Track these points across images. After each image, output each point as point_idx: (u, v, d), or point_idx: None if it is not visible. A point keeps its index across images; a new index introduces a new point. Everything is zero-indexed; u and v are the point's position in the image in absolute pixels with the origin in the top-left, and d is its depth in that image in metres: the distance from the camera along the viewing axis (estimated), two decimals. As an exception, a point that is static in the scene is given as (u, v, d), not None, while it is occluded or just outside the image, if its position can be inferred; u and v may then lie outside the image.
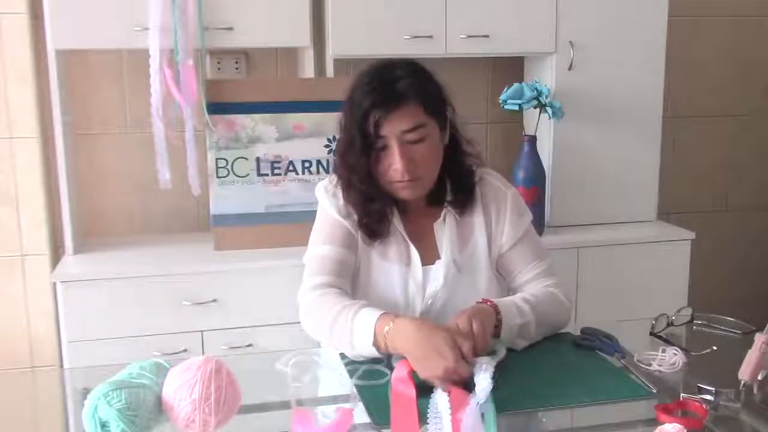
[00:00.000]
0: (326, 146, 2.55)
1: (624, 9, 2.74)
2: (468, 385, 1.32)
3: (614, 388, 1.41)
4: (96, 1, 2.35)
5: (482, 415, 1.23)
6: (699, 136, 3.27)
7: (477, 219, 1.71)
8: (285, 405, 1.28)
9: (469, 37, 2.63)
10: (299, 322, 1.62)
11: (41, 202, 2.61)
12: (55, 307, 2.44)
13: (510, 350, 1.53)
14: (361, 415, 1.30)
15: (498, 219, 1.71)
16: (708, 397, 1.33)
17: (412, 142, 1.57)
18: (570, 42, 2.70)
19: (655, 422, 1.24)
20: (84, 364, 2.25)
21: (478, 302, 1.56)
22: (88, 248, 2.58)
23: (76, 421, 1.23)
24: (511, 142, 2.91)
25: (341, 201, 1.68)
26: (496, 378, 1.33)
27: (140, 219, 2.79)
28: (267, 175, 2.54)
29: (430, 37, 2.60)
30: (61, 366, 2.46)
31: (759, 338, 1.36)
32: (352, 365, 1.48)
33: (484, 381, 1.30)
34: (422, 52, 2.52)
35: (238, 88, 2.53)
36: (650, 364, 1.48)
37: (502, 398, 1.31)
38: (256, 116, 2.51)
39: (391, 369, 1.41)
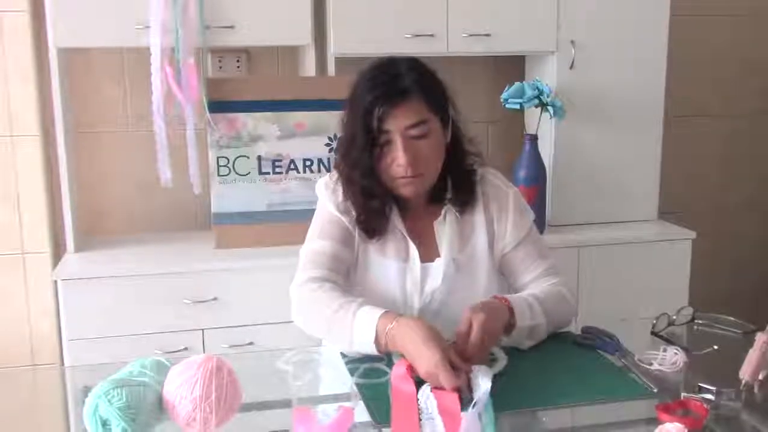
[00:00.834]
0: (327, 145, 2.55)
1: (625, 8, 2.74)
2: (463, 392, 1.32)
3: (615, 387, 1.41)
4: (97, 0, 2.35)
5: (479, 415, 1.23)
6: (700, 135, 3.27)
7: (478, 218, 1.71)
8: (286, 403, 1.28)
9: (471, 35, 2.63)
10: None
11: (42, 200, 2.61)
12: (56, 305, 2.44)
13: (512, 349, 1.53)
14: (361, 413, 1.30)
15: (500, 218, 1.71)
16: (709, 396, 1.32)
17: (415, 138, 1.57)
18: (571, 41, 2.70)
19: (655, 421, 1.24)
20: (85, 362, 2.25)
21: (494, 297, 1.56)
22: (89, 246, 2.58)
23: (77, 419, 1.23)
24: (512, 141, 2.91)
25: (340, 197, 1.68)
26: (493, 388, 1.31)
27: (141, 217, 2.79)
28: (268, 173, 2.54)
29: (432, 35, 2.60)
30: (62, 364, 2.46)
31: (760, 338, 1.36)
32: (352, 364, 1.48)
33: (480, 389, 1.29)
34: (424, 50, 2.52)
35: (239, 87, 2.53)
36: (651, 364, 1.48)
37: (502, 397, 1.30)
38: (258, 114, 2.51)
39: (392, 367, 1.41)
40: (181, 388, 1.17)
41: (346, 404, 1.31)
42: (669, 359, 1.48)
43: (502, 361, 1.47)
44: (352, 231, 1.67)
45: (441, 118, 1.62)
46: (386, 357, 1.50)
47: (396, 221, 1.67)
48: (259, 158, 2.53)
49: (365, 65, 1.63)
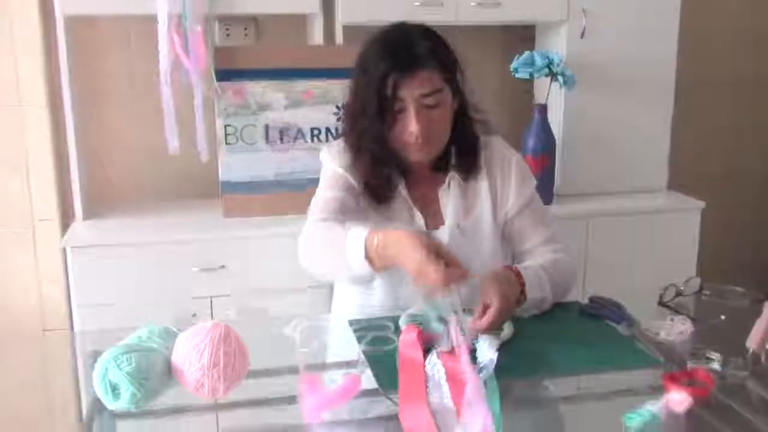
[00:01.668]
0: (335, 114, 2.54)
1: (638, -24, 2.70)
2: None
3: (621, 356, 1.41)
4: (104, -34, 2.34)
5: (484, 383, 1.24)
6: (711, 105, 3.25)
7: (482, 184, 1.70)
8: (293, 370, 1.29)
9: (480, 4, 2.60)
10: (308, 288, 1.63)
11: (51, 169, 2.62)
12: (65, 273, 2.46)
13: (518, 317, 1.53)
14: (368, 380, 1.30)
15: (503, 184, 1.71)
16: (715, 366, 1.33)
17: (428, 107, 1.57)
18: (582, 9, 2.67)
19: (662, 390, 1.25)
20: (94, 328, 2.26)
21: (506, 268, 1.56)
22: (98, 214, 2.58)
23: (87, 383, 1.24)
24: (521, 111, 2.89)
25: (345, 160, 1.67)
26: (499, 356, 1.31)
27: (149, 186, 2.80)
28: (276, 142, 2.54)
29: (441, 4, 2.57)
30: (72, 330, 2.48)
31: (767, 307, 1.36)
32: (360, 331, 1.49)
33: (486, 357, 1.30)
34: (433, 19, 2.47)
35: (246, 55, 2.52)
36: (658, 333, 1.48)
37: (508, 365, 1.31)
38: (265, 83, 2.50)
39: (399, 335, 1.41)
40: (190, 355, 1.18)
41: (353, 371, 1.32)
42: (676, 329, 1.48)
43: (508, 329, 1.48)
44: (357, 188, 1.66)
45: (452, 86, 1.61)
46: (393, 324, 1.50)
47: (401, 189, 1.67)
48: (267, 127, 2.52)
49: (375, 31, 1.62)
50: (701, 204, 2.77)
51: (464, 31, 2.62)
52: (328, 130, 2.55)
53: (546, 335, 1.49)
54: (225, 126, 2.50)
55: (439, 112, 1.59)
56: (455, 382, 1.24)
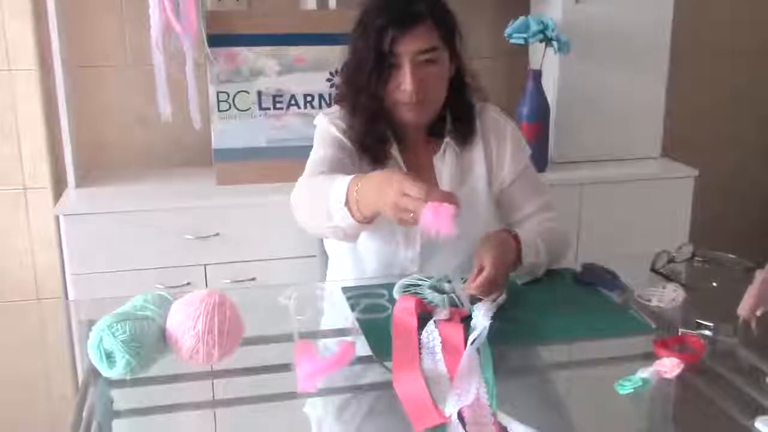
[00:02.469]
0: (328, 80, 2.52)
1: (634, -60, 2.67)
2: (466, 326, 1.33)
3: (613, 323, 1.43)
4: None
5: (478, 350, 1.25)
6: (706, 73, 3.23)
7: (477, 152, 1.70)
8: (287, 338, 1.29)
9: (475, -32, 2.57)
10: (302, 257, 1.63)
11: (42, 135, 2.60)
12: (59, 240, 2.45)
13: (511, 284, 1.54)
14: (362, 348, 1.31)
15: (498, 152, 1.71)
16: (706, 332, 1.34)
17: (423, 64, 1.56)
18: (578, -26, 2.65)
19: (653, 356, 1.26)
20: (88, 296, 2.27)
21: (503, 230, 1.57)
22: (90, 182, 2.57)
23: (82, 351, 1.25)
24: (515, 77, 2.87)
25: (340, 123, 1.67)
26: (491, 322, 1.32)
27: (142, 152, 2.78)
28: (269, 109, 2.52)
29: (435, -33, 2.54)
30: (66, 298, 2.49)
31: (759, 274, 1.37)
32: (354, 299, 1.50)
33: (481, 323, 1.30)
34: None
35: (238, 20, 2.49)
36: (650, 300, 1.49)
37: (500, 332, 1.32)
38: (258, 49, 2.47)
39: (393, 303, 1.42)
40: (184, 323, 1.19)
41: (347, 339, 1.32)
42: (668, 296, 1.50)
43: (501, 296, 1.48)
44: (352, 150, 1.66)
45: (449, 48, 1.61)
46: (387, 292, 1.51)
47: (395, 156, 1.67)
48: (259, 93, 2.50)
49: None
50: (695, 171, 2.77)
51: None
52: (321, 96, 2.53)
53: (539, 303, 1.50)
54: (217, 93, 2.48)
55: (435, 71, 1.59)
56: (451, 350, 1.25)
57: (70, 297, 2.37)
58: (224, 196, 2.46)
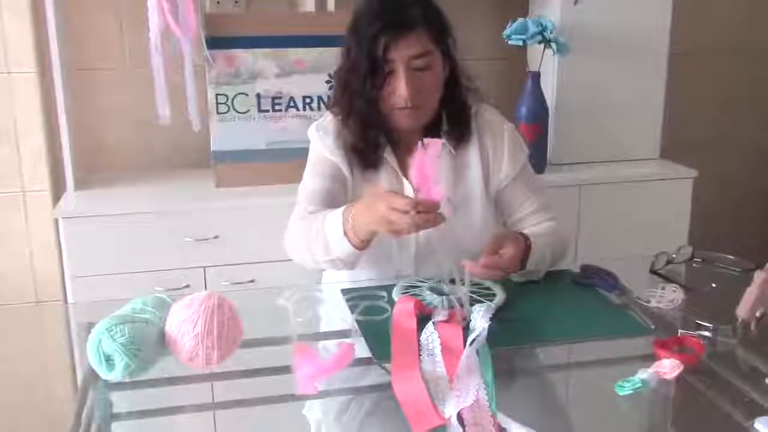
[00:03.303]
0: (327, 82, 2.52)
1: (632, -59, 2.67)
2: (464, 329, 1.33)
3: (613, 324, 1.42)
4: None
5: (477, 351, 1.25)
6: (705, 74, 3.23)
7: (472, 154, 1.70)
8: (287, 340, 1.29)
9: (474, -30, 2.57)
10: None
11: (41, 137, 2.60)
12: (58, 243, 2.45)
13: (510, 285, 1.54)
14: (362, 349, 1.31)
15: (495, 153, 1.70)
16: (706, 333, 1.34)
17: (417, 70, 1.56)
18: (576, -25, 2.65)
19: (652, 358, 1.26)
20: (87, 299, 2.27)
21: (519, 233, 1.58)
22: (89, 184, 2.57)
23: (81, 354, 1.25)
24: (514, 78, 2.87)
25: (332, 139, 1.68)
26: (490, 324, 1.32)
27: (141, 155, 2.78)
28: (267, 111, 2.52)
29: (434, -31, 2.54)
30: (65, 301, 2.48)
31: (758, 276, 1.37)
32: (353, 301, 1.50)
33: (480, 324, 1.30)
34: (425, -15, 2.46)
35: (237, 22, 2.49)
36: (649, 301, 1.49)
37: (499, 334, 1.32)
38: (256, 51, 2.47)
39: (392, 304, 1.42)
40: (184, 325, 1.19)
41: (347, 340, 1.32)
42: (667, 297, 1.50)
43: (500, 296, 1.48)
44: (344, 171, 1.67)
45: (442, 51, 1.61)
46: (386, 293, 1.51)
47: (389, 158, 1.67)
48: (258, 96, 2.50)
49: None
50: (693, 172, 2.77)
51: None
52: (320, 98, 2.53)
53: (538, 304, 1.50)
54: (216, 95, 2.48)
55: (429, 76, 1.59)
56: (450, 351, 1.25)
57: (69, 300, 2.37)
58: (223, 199, 2.46)
